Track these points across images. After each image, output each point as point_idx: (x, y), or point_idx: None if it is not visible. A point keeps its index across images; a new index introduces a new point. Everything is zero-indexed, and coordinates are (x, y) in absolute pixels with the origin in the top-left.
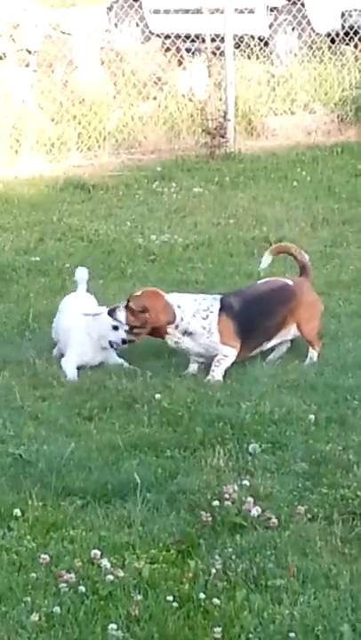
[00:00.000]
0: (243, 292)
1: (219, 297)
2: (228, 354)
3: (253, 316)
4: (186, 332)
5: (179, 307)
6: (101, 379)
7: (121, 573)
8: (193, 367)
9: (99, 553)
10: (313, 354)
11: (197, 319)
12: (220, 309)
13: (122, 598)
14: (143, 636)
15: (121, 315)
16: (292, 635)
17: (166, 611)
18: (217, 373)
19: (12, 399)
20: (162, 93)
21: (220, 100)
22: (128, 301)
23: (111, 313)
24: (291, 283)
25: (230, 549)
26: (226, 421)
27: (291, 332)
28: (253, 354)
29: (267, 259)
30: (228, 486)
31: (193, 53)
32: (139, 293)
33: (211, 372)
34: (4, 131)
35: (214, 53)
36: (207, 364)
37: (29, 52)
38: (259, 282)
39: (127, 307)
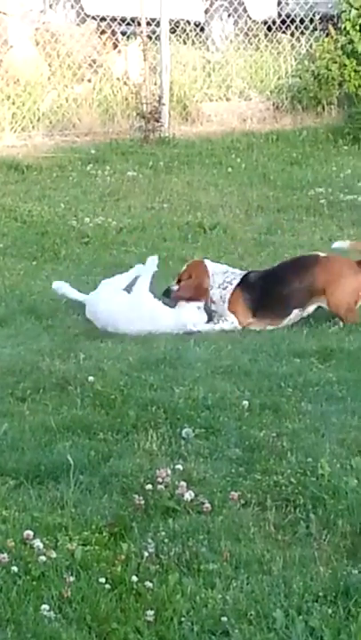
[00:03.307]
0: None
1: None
2: (231, 320)
3: (269, 288)
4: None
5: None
6: (34, 360)
7: (54, 554)
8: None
9: (31, 533)
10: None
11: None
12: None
13: (54, 579)
14: (75, 617)
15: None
16: (224, 619)
17: (98, 593)
18: (210, 327)
19: None
20: (97, 76)
21: (155, 84)
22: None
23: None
24: (322, 255)
25: (163, 533)
26: (159, 405)
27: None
28: (288, 322)
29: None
30: (161, 470)
31: (128, 37)
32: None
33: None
34: None
35: (150, 37)
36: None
37: None
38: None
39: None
